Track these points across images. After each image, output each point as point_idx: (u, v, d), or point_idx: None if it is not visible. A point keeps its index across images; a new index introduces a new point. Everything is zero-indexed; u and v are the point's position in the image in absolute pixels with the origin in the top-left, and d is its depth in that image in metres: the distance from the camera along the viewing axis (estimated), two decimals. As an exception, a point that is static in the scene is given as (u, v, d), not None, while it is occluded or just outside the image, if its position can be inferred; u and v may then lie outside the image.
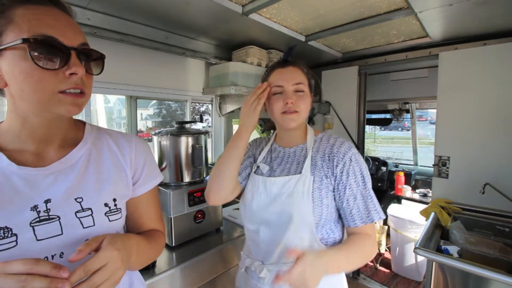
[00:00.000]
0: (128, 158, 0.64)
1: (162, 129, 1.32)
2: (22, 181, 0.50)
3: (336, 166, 0.81)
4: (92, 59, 0.53)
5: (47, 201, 0.51)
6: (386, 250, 2.93)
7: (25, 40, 0.44)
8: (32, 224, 0.48)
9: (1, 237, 0.46)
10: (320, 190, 0.80)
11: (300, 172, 0.83)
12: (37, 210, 0.50)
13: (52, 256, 0.50)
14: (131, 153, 0.65)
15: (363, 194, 0.80)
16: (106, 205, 0.58)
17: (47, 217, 0.50)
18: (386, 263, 2.72)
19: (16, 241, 0.47)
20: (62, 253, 0.51)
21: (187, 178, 1.30)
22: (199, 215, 1.29)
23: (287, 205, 0.80)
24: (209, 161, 1.60)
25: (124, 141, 0.66)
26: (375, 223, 0.81)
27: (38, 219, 0.49)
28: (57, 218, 0.51)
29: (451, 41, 1.72)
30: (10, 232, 0.47)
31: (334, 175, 0.81)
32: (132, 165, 0.65)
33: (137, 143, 0.67)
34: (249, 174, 0.95)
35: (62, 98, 0.48)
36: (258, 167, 0.93)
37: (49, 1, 0.48)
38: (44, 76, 0.46)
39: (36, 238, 0.49)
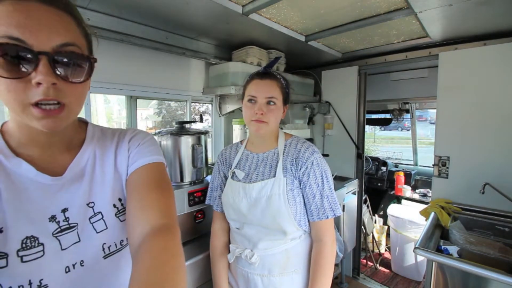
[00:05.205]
0: (123, 153, 0.59)
1: (162, 129, 1.32)
2: (38, 190, 0.47)
3: (300, 168, 0.93)
4: (74, 63, 0.44)
5: (64, 210, 0.49)
6: (386, 250, 2.94)
7: None
8: (55, 235, 0.47)
9: (28, 247, 0.43)
10: (292, 190, 0.91)
11: (274, 176, 0.93)
12: (56, 220, 0.48)
13: (73, 265, 0.48)
14: (126, 146, 0.60)
15: (321, 193, 0.91)
16: (114, 206, 0.56)
17: (68, 225, 0.49)
18: (386, 263, 2.72)
19: (43, 250, 0.45)
20: (82, 261, 0.50)
21: (187, 178, 1.30)
22: (199, 215, 1.29)
23: (267, 207, 0.90)
24: (209, 161, 1.60)
25: (121, 137, 0.61)
26: (333, 218, 0.94)
27: (59, 229, 0.48)
28: (76, 225, 0.50)
29: (451, 41, 1.72)
30: (37, 241, 0.44)
31: (298, 176, 0.93)
32: (127, 156, 0.59)
33: (132, 135, 0.62)
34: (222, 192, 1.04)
35: (35, 113, 0.41)
36: (234, 173, 1.01)
37: None
38: (11, 85, 0.39)
39: (61, 247, 0.47)
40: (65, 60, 0.42)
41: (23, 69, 0.39)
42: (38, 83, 0.40)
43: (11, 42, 0.38)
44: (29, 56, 0.39)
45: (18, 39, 0.38)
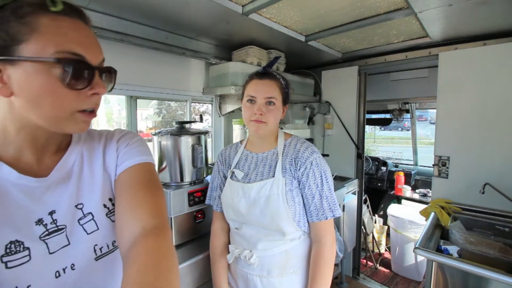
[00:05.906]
0: (112, 153, 0.59)
1: (162, 129, 1.32)
2: (22, 193, 0.46)
3: (299, 169, 0.92)
4: (108, 76, 0.52)
5: (51, 213, 0.48)
6: (386, 250, 2.94)
7: (59, 60, 0.41)
8: (42, 238, 0.46)
9: (13, 252, 0.42)
10: (291, 191, 0.91)
11: (273, 176, 0.92)
12: (44, 223, 0.47)
13: (64, 270, 0.47)
14: (115, 146, 0.60)
15: (321, 194, 0.91)
16: (105, 206, 0.55)
17: (56, 228, 0.48)
18: (386, 263, 2.72)
19: (29, 255, 0.43)
20: (73, 264, 0.48)
21: (187, 178, 1.30)
22: (199, 215, 1.29)
23: (266, 207, 0.90)
24: (209, 161, 1.60)
25: (109, 137, 0.61)
26: (332, 219, 0.93)
27: (47, 232, 0.46)
28: (65, 227, 0.49)
29: (451, 41, 1.72)
30: (22, 246, 0.43)
31: (297, 176, 0.92)
32: (116, 156, 0.59)
33: (120, 135, 0.62)
34: (221, 192, 1.05)
35: (80, 117, 0.46)
36: (233, 173, 1.01)
37: (76, 14, 0.45)
38: (67, 94, 0.43)
39: (49, 251, 0.46)
40: (107, 73, 0.51)
41: (80, 82, 0.44)
42: (95, 94, 0.47)
43: (75, 58, 0.43)
44: (88, 70, 0.45)
45: (79, 55, 0.44)
